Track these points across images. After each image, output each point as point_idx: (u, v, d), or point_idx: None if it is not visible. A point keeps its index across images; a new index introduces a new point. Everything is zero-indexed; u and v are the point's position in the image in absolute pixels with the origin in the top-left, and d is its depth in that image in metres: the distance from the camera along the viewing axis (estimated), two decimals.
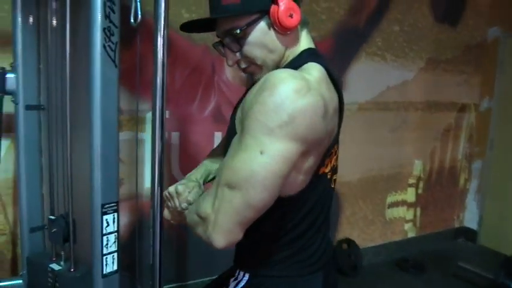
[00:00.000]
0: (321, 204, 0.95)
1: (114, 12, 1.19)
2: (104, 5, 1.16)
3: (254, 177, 0.75)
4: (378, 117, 2.92)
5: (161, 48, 1.10)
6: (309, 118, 0.76)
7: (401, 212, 3.25)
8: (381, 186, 3.09)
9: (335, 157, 0.97)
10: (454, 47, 3.22)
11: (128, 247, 2.03)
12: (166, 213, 1.10)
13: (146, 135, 2.10)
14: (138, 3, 1.07)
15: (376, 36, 2.79)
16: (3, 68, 1.44)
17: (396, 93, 2.97)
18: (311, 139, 0.79)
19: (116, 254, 1.33)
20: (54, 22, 1.38)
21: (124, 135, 2.00)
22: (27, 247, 1.55)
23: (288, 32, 0.88)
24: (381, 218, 3.15)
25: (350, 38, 2.68)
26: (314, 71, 0.85)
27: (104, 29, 1.18)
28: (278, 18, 0.84)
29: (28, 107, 1.49)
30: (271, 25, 0.87)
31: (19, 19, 1.43)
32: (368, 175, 3.00)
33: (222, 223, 0.79)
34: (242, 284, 0.96)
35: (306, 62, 0.88)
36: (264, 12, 0.86)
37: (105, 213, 1.28)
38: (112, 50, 1.21)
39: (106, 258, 1.30)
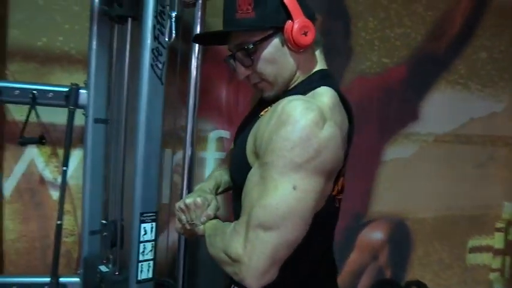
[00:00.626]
0: (329, 224, 0.96)
1: (162, 34, 1.29)
2: (154, 27, 1.27)
3: (293, 214, 0.76)
4: (459, 151, 2.68)
5: (195, 71, 1.16)
6: (331, 150, 0.78)
7: (485, 258, 2.89)
8: (462, 228, 2.79)
9: (343, 178, 0.94)
10: None
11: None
12: (178, 226, 1.08)
13: (207, 154, 2.18)
14: (173, 23, 1.15)
15: (458, 64, 2.59)
16: (77, 85, 1.63)
17: (481, 126, 2.70)
18: (334, 170, 0.82)
19: (151, 262, 1.39)
20: (116, 44, 1.53)
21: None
22: (86, 248, 1.70)
23: (301, 50, 0.87)
24: (460, 263, 2.83)
25: (427, 66, 2.52)
26: (325, 97, 0.84)
27: (152, 50, 1.28)
28: (292, 36, 0.84)
29: (96, 120, 1.66)
30: (284, 42, 0.86)
31: (94, 42, 1.61)
32: (446, 214, 2.74)
33: (258, 266, 0.76)
34: None
35: (318, 86, 0.87)
36: (278, 28, 0.86)
37: (144, 221, 1.35)
38: (159, 69, 1.31)
39: (141, 265, 1.37)
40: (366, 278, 2.60)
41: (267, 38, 0.86)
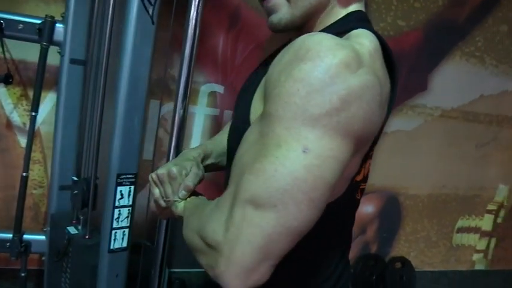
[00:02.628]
0: (348, 218, 0.79)
1: None
2: None
3: (299, 188, 0.50)
4: (464, 128, 2.54)
5: (195, 12, 0.94)
6: (366, 105, 0.53)
7: (472, 239, 2.85)
8: (453, 207, 2.71)
9: (369, 163, 0.75)
10: None
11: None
12: (153, 205, 0.85)
13: (197, 108, 1.98)
14: None
15: (476, 35, 2.39)
16: (52, 17, 1.39)
17: (491, 104, 2.55)
18: (365, 136, 0.57)
19: (127, 230, 1.23)
20: None
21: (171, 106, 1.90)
22: (54, 205, 1.52)
23: None
24: (447, 242, 2.78)
25: (445, 33, 2.32)
26: (366, 40, 0.60)
27: None
28: None
29: (73, 61, 1.43)
30: None
31: None
32: (440, 192, 2.64)
33: (243, 260, 0.52)
34: None
35: (355, 28, 0.64)
36: None
37: (121, 184, 1.18)
38: (151, 3, 1.08)
39: (115, 232, 1.21)
40: (351, 251, 2.52)
41: None
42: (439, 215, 2.69)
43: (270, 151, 0.52)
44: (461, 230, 2.79)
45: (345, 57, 0.52)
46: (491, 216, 2.85)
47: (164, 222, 1.52)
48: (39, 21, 1.38)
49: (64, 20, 1.40)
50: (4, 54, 1.43)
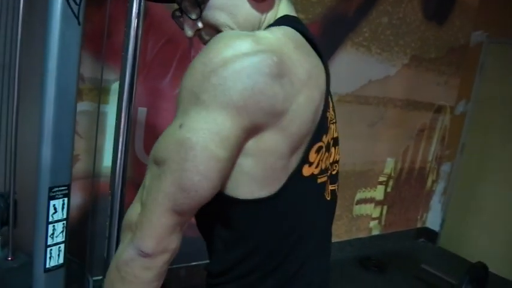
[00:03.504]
0: (305, 221, 0.71)
1: None
2: None
3: (172, 156, 0.59)
4: (357, 111, 2.82)
5: (136, 10, 0.90)
6: (246, 78, 0.56)
7: (368, 209, 3.20)
8: (352, 182, 3.01)
9: (328, 155, 0.73)
10: (438, 46, 3.15)
11: (78, 232, 1.82)
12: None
13: (109, 107, 1.88)
14: None
15: (364, 26, 2.65)
16: None
17: (377, 88, 2.87)
18: (256, 108, 0.58)
19: (62, 246, 1.14)
20: None
21: (83, 106, 1.77)
22: None
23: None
24: (348, 214, 3.08)
25: (338, 25, 2.53)
26: (278, 30, 0.65)
27: None
28: None
29: None
30: None
31: None
32: (341, 169, 2.88)
33: (152, 214, 0.61)
34: None
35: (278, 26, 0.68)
36: None
37: (53, 197, 1.08)
38: (76, 3, 1.00)
39: (51, 250, 1.11)
40: None
41: None
42: (341, 190, 2.96)
43: (167, 129, 0.62)
44: (359, 201, 3.11)
45: (234, 43, 0.58)
46: (383, 187, 3.24)
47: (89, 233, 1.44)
48: None
49: None
50: None
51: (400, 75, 2.96)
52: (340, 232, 3.07)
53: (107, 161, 1.92)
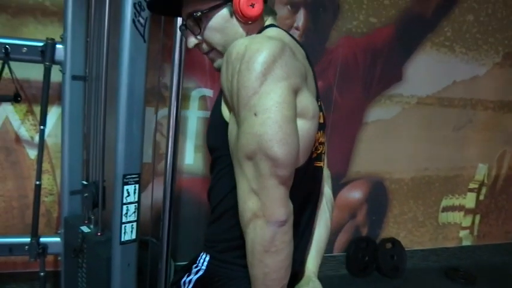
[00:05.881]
0: (303, 192, 0.87)
1: None
2: None
3: (261, 143, 0.72)
4: (440, 113, 2.71)
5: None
6: (278, 57, 0.74)
7: (457, 217, 3.02)
8: (436, 188, 2.89)
9: (320, 133, 0.89)
10: None
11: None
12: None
13: (190, 113, 2.14)
14: None
15: (445, 26, 2.56)
16: (53, 39, 1.54)
17: (463, 89, 2.72)
18: (293, 71, 0.76)
19: (135, 224, 1.38)
20: None
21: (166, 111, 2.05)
22: (66, 208, 1.66)
23: (250, 22, 0.86)
24: (433, 221, 2.95)
25: (414, 26, 2.49)
26: (272, 31, 0.86)
27: (134, 4, 1.20)
28: (239, 7, 0.84)
29: (74, 77, 1.58)
30: (233, 13, 0.86)
31: None
32: (423, 174, 2.81)
33: (274, 193, 0.74)
34: (200, 274, 0.90)
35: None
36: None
37: (127, 183, 1.33)
38: (142, 25, 1.23)
39: (125, 226, 1.36)
40: (343, 235, 2.69)
41: (216, 8, 0.86)
42: (424, 196, 2.86)
43: (242, 128, 0.75)
44: (446, 209, 2.96)
45: (255, 44, 0.75)
46: (474, 194, 3.03)
47: (167, 219, 1.68)
48: (41, 44, 1.53)
49: (63, 41, 1.55)
50: (12, 76, 1.57)
51: (491, 74, 2.77)
52: (424, 240, 2.95)
53: (188, 159, 2.19)
